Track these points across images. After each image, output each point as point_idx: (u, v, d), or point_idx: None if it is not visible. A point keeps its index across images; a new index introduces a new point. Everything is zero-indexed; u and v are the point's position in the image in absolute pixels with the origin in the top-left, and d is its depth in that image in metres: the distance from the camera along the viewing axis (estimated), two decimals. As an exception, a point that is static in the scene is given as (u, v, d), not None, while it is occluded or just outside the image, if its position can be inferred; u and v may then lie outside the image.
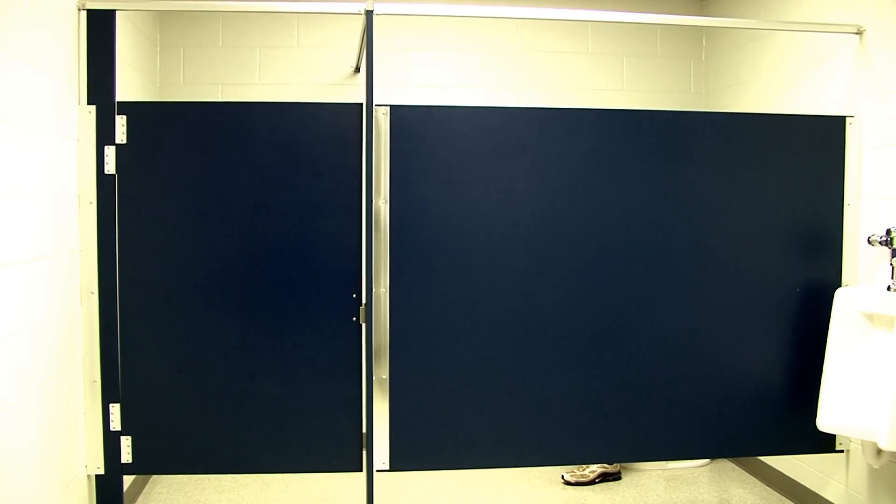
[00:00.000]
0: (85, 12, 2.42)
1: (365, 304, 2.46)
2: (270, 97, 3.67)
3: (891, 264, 2.52)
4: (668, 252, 2.65)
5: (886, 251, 2.57)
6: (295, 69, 3.76)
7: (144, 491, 3.21)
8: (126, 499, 2.77)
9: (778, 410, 2.73)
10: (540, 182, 2.59)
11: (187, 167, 2.47)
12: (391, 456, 2.55)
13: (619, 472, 3.43)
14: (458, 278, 2.56)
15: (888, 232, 2.53)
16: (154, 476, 3.32)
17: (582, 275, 2.61)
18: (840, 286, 2.69)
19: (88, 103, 2.42)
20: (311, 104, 2.52)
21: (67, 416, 2.36)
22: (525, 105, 2.72)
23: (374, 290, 2.47)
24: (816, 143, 2.71)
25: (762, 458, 3.36)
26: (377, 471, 2.51)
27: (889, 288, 2.50)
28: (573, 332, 2.61)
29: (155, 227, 2.47)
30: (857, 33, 2.75)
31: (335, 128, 2.49)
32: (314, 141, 2.49)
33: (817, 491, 3.00)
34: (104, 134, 2.42)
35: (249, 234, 2.49)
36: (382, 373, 2.53)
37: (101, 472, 2.49)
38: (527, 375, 2.60)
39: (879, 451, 2.51)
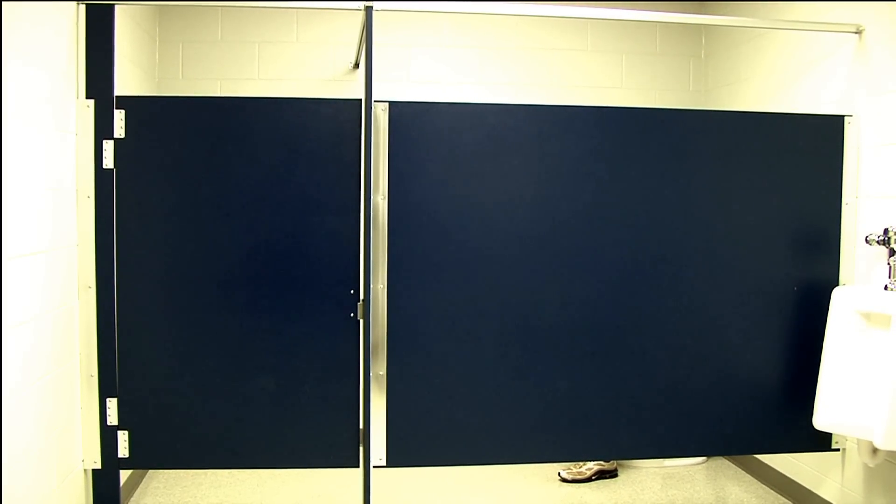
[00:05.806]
0: (84, 6, 2.41)
1: (363, 301, 2.46)
2: (269, 92, 3.67)
3: (888, 263, 2.53)
4: (665, 250, 2.65)
5: (884, 250, 2.58)
6: (294, 64, 3.76)
7: (141, 485, 3.21)
8: (123, 493, 2.77)
9: (775, 409, 2.73)
10: (538, 179, 2.59)
11: (185, 162, 2.47)
12: (388, 452, 2.56)
13: (615, 470, 3.43)
14: (457, 275, 2.56)
15: (886, 231, 2.53)
16: (151, 471, 3.32)
17: (579, 272, 2.61)
18: (837, 285, 2.70)
19: (87, 97, 2.42)
20: (309, 100, 2.52)
21: (65, 411, 2.36)
22: (524, 102, 2.72)
23: (371, 286, 2.46)
24: (815, 142, 2.71)
25: (758, 456, 3.37)
26: (374, 467, 2.51)
27: (886, 287, 2.51)
28: (570, 329, 2.62)
29: (153, 222, 2.47)
30: (856, 32, 2.74)
31: (334, 123, 2.48)
32: (313, 136, 2.48)
33: (813, 489, 3.00)
34: (102, 128, 2.42)
35: (247, 230, 2.48)
36: (380, 369, 2.53)
37: (98, 466, 2.49)
38: (524, 372, 2.61)
39: (875, 450, 2.52)
